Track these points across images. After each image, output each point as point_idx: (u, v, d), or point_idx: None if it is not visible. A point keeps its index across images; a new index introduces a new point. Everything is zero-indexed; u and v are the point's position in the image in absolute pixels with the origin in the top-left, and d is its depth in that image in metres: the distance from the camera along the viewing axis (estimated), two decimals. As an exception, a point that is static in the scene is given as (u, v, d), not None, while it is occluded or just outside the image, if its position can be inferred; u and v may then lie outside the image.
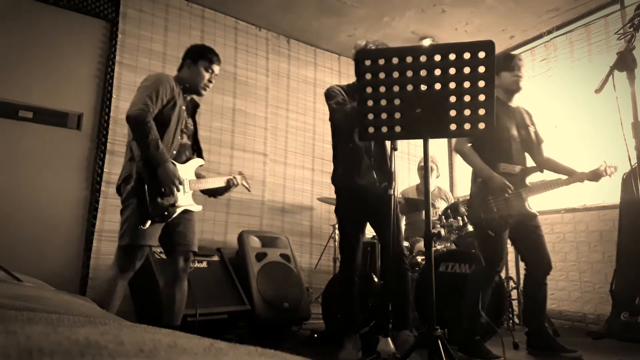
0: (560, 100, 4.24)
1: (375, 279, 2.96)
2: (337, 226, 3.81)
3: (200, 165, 2.46)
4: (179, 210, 2.23)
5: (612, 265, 3.33)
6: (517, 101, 2.87)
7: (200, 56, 2.40)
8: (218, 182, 2.49)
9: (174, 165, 2.19)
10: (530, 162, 2.79)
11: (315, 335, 2.98)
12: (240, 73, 4.35)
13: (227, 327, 2.98)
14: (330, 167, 4.65)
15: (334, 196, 2.71)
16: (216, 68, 2.44)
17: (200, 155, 2.47)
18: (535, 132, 2.81)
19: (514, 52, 4.78)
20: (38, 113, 3.37)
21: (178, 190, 2.17)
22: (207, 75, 2.40)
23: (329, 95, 2.57)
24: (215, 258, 3.31)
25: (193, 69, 2.38)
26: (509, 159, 2.63)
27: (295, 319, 3.33)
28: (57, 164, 3.40)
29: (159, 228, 2.19)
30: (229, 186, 2.52)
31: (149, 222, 2.08)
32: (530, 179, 2.64)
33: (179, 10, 4.05)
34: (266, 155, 4.38)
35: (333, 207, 2.76)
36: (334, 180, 2.67)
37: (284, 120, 4.57)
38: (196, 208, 2.36)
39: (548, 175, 2.73)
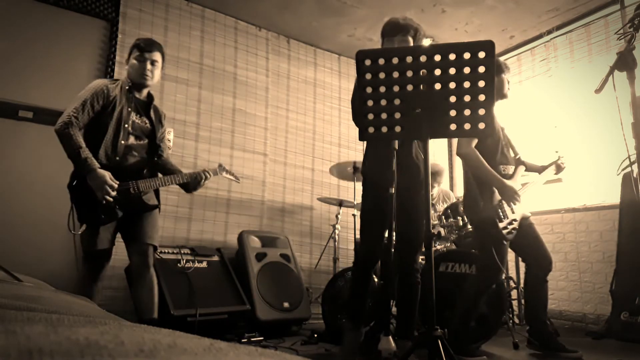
0: (560, 100, 4.24)
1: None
2: (337, 226, 3.82)
3: (163, 164, 2.47)
4: (120, 213, 2.23)
5: (612, 265, 3.33)
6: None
7: (130, 51, 2.39)
8: (181, 178, 2.40)
9: (104, 171, 2.17)
10: None
11: (315, 335, 2.98)
12: (240, 73, 4.35)
13: (227, 327, 2.98)
14: (329, 167, 4.64)
15: (334, 196, 2.69)
16: (152, 55, 2.36)
17: (158, 155, 2.45)
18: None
19: (514, 52, 4.79)
20: (38, 113, 3.37)
21: (109, 194, 2.16)
22: (140, 65, 2.33)
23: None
24: (215, 258, 3.31)
25: (129, 64, 2.38)
26: (503, 161, 2.65)
27: (295, 319, 3.34)
28: (57, 164, 3.39)
29: (107, 231, 2.24)
30: (189, 183, 2.41)
31: (83, 227, 2.17)
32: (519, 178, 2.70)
33: (179, 10, 4.05)
34: (266, 155, 4.38)
35: (333, 207, 2.75)
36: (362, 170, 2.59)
37: (284, 120, 4.57)
38: (147, 207, 2.32)
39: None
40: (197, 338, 0.39)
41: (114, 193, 2.17)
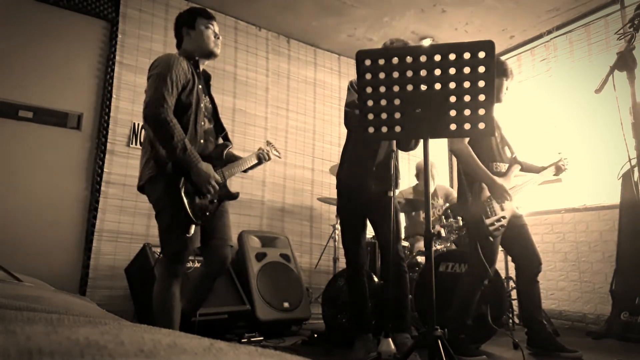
0: (560, 100, 4.24)
1: (375, 279, 2.96)
2: (337, 226, 3.82)
3: (229, 148, 2.25)
4: (218, 205, 2.10)
5: (612, 265, 3.33)
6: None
7: (193, 18, 2.18)
8: (250, 161, 2.30)
9: (206, 164, 2.00)
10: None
11: (315, 335, 2.98)
12: (240, 73, 4.35)
13: (227, 327, 2.98)
14: (329, 167, 4.63)
15: (334, 196, 2.71)
16: (215, 24, 2.19)
17: (226, 138, 2.26)
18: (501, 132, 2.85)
19: (514, 52, 4.79)
20: (38, 113, 3.38)
21: (215, 190, 2.01)
22: (211, 33, 2.16)
23: (348, 90, 2.53)
24: (215, 258, 3.31)
25: (194, 34, 2.15)
26: (496, 158, 2.66)
27: (295, 319, 3.33)
28: (57, 164, 3.40)
29: (198, 230, 2.05)
30: (260, 162, 2.35)
31: (193, 228, 1.95)
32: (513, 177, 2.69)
33: (179, 10, 4.00)
34: (266, 155, 4.37)
35: (333, 207, 2.77)
36: (338, 177, 2.66)
37: (284, 120, 4.57)
38: (234, 195, 2.21)
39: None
40: (197, 338, 0.39)
41: (217, 188, 2.01)
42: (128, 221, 3.52)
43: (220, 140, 2.25)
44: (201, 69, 2.20)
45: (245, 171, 2.35)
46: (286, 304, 3.27)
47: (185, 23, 2.19)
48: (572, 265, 3.91)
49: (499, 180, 2.53)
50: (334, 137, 4.87)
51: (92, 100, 3.60)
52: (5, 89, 3.25)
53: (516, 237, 2.63)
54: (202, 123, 2.07)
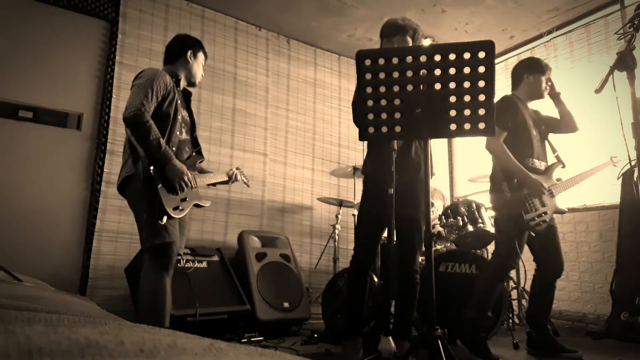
0: (560, 100, 4.23)
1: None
2: (337, 226, 3.82)
3: (200, 162, 2.44)
4: (191, 205, 2.22)
5: (612, 265, 3.33)
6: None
7: (199, 49, 2.42)
8: (220, 176, 2.50)
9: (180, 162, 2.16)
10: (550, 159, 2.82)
11: (315, 335, 2.98)
12: (240, 73, 4.35)
13: (227, 327, 2.98)
14: (329, 167, 4.63)
15: (334, 196, 2.69)
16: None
17: (199, 153, 2.43)
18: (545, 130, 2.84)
19: (514, 52, 4.79)
20: (38, 113, 3.38)
21: (187, 185, 2.15)
22: (201, 69, 2.44)
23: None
24: (215, 258, 3.31)
25: (193, 61, 2.37)
26: (533, 155, 2.66)
27: (295, 319, 3.34)
28: (57, 164, 3.40)
29: (176, 225, 2.15)
30: (228, 180, 2.54)
31: (165, 217, 2.05)
32: (555, 175, 2.70)
33: (179, 10, 4.05)
34: (266, 155, 4.38)
35: (333, 207, 2.74)
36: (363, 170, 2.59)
37: (284, 120, 4.57)
38: (205, 203, 2.33)
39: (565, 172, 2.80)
40: (197, 338, 0.39)
41: (189, 184, 2.15)
42: (128, 221, 3.51)
43: (194, 154, 2.40)
44: (181, 87, 2.38)
45: (213, 185, 2.53)
46: (286, 304, 3.27)
47: (192, 48, 2.39)
48: (572, 265, 3.91)
49: (534, 175, 2.53)
50: (334, 137, 4.87)
51: (92, 100, 3.60)
52: (5, 89, 3.25)
53: (543, 237, 2.61)
54: (178, 133, 2.24)
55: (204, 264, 3.19)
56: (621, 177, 3.27)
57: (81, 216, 3.43)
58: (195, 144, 2.42)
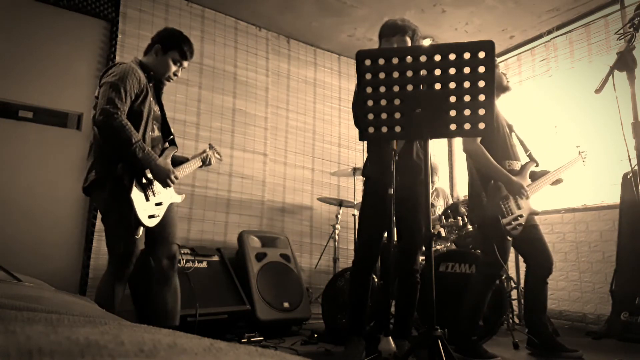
0: (560, 100, 4.24)
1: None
2: (337, 226, 3.82)
3: (175, 152, 2.35)
4: (166, 207, 2.16)
5: (612, 265, 3.33)
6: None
7: (171, 46, 2.23)
8: (194, 164, 2.41)
9: (164, 160, 2.11)
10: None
11: (315, 335, 2.98)
12: (240, 73, 4.35)
13: (227, 327, 2.98)
14: (329, 167, 4.64)
15: (334, 196, 2.69)
16: (185, 64, 2.29)
17: (172, 142, 2.33)
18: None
19: (514, 52, 4.79)
20: (38, 113, 3.37)
21: (173, 182, 2.11)
22: (174, 68, 2.26)
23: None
24: (215, 258, 3.31)
25: (160, 57, 2.23)
26: (509, 156, 2.65)
27: (295, 319, 3.34)
28: (57, 164, 3.40)
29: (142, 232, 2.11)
30: (203, 164, 2.47)
31: (141, 230, 2.02)
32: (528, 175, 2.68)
33: (179, 10, 4.05)
34: (266, 155, 4.38)
35: (333, 207, 2.74)
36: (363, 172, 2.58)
37: (284, 120, 4.57)
38: (178, 198, 2.28)
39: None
40: (197, 338, 0.39)
41: (175, 182, 2.12)
42: (128, 221, 3.52)
43: (167, 145, 2.33)
44: (152, 81, 2.27)
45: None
46: (286, 304, 3.27)
47: (162, 43, 2.26)
48: (572, 265, 3.91)
49: (515, 177, 2.53)
50: (334, 137, 4.87)
51: (92, 100, 3.59)
52: (5, 89, 3.25)
53: (528, 237, 2.60)
54: (151, 132, 2.18)
55: (204, 264, 3.19)
56: (621, 176, 3.27)
57: (81, 216, 3.43)
58: (167, 134, 2.32)
